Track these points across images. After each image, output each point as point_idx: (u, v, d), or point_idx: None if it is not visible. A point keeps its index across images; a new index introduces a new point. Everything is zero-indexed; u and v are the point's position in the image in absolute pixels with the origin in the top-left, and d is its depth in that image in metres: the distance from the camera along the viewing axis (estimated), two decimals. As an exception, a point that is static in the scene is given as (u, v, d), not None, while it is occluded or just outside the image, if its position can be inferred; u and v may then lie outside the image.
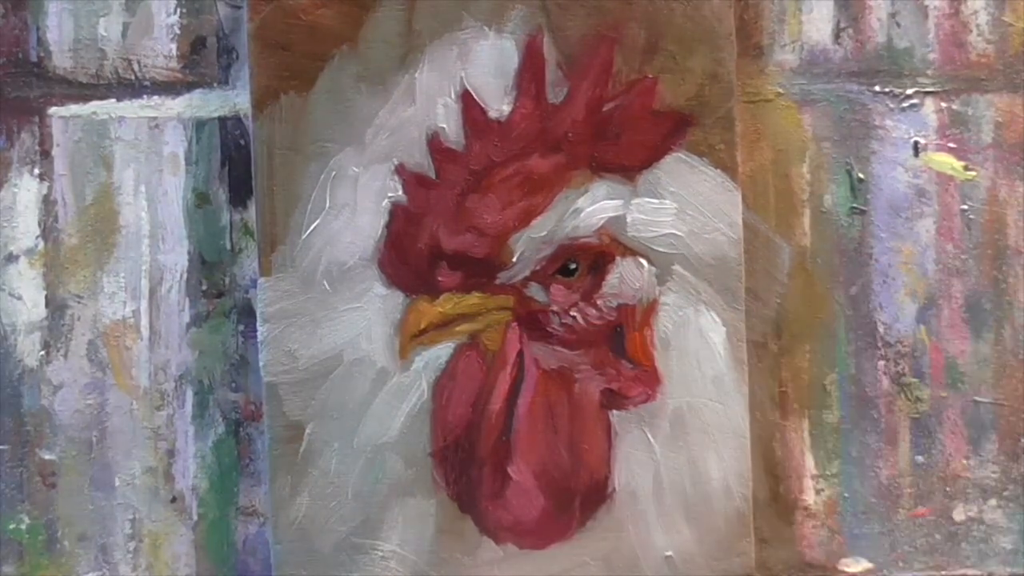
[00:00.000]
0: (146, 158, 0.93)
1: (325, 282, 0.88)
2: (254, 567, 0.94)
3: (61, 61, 0.92)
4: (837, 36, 0.94)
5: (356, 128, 0.88)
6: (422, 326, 0.87)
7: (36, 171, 0.93)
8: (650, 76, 0.88)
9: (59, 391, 0.93)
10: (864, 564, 0.95)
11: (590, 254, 0.88)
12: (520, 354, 0.89)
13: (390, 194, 0.88)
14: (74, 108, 0.93)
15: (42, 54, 0.92)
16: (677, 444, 0.89)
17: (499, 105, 0.88)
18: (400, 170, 0.88)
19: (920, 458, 0.95)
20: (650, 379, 0.89)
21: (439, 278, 0.87)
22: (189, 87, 0.93)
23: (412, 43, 0.88)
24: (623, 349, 0.89)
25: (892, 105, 0.94)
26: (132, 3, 0.93)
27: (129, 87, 0.93)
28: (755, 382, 0.92)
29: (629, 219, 0.89)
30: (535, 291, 0.88)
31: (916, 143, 0.94)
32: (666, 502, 0.90)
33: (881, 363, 0.94)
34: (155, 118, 0.93)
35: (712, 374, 0.90)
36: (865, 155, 0.94)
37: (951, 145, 0.94)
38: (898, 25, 0.94)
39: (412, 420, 0.89)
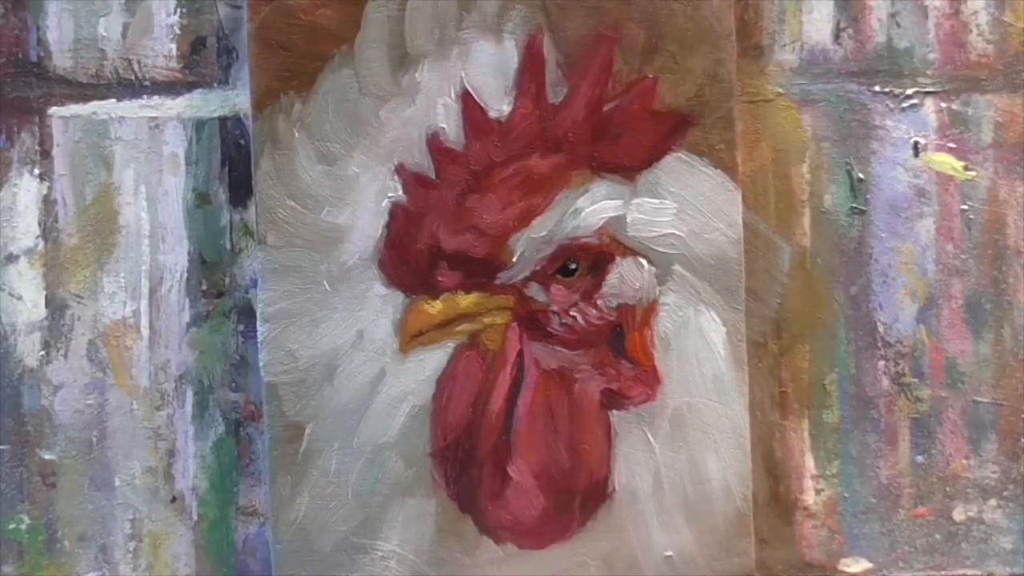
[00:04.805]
0: (146, 158, 0.93)
1: (325, 282, 0.88)
2: (254, 567, 0.94)
3: (61, 61, 0.92)
4: (837, 36, 0.94)
5: (356, 128, 0.87)
6: (422, 326, 0.88)
7: (36, 171, 0.93)
8: (650, 76, 0.88)
9: (59, 391, 0.93)
10: (864, 564, 0.95)
11: (590, 254, 0.88)
12: (520, 354, 0.89)
13: (390, 194, 0.88)
14: (74, 108, 0.93)
15: (42, 54, 0.92)
16: (677, 444, 0.89)
17: (499, 105, 0.88)
18: (400, 170, 0.88)
19: (920, 458, 0.95)
20: (650, 379, 0.89)
21: (439, 278, 0.87)
22: (189, 87, 0.93)
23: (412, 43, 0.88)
24: (623, 349, 0.89)
25: (892, 105, 0.94)
26: (132, 3, 0.93)
27: (129, 87, 0.93)
28: (755, 382, 0.92)
29: (629, 219, 0.88)
30: (535, 291, 0.88)
31: (916, 143, 0.94)
32: (666, 502, 0.90)
33: (881, 363, 0.94)
34: (155, 118, 0.93)
35: (712, 374, 0.90)
36: (865, 155, 0.94)
37: (951, 145, 0.94)
38: (898, 25, 0.94)
39: (412, 420, 0.89)
